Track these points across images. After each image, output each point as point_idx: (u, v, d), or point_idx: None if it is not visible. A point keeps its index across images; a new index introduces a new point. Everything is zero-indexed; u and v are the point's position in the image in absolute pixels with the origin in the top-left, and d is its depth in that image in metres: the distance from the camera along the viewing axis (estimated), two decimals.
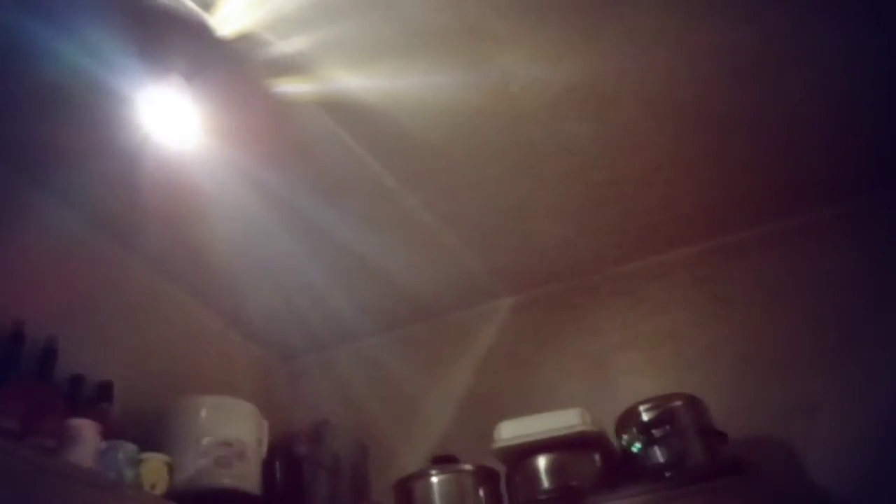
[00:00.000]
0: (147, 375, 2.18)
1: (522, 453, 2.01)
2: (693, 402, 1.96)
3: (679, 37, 1.82)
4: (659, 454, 1.89)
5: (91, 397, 1.85)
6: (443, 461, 2.16)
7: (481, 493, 2.08)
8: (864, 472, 1.95)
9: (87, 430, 1.57)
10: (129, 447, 1.67)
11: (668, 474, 1.86)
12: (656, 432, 1.91)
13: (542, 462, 1.98)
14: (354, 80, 1.83)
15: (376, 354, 2.81)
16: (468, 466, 2.12)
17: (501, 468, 2.11)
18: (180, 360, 2.39)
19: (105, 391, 1.89)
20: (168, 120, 1.73)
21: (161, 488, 1.74)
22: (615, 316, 2.51)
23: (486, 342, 2.67)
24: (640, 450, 1.91)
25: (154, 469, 1.73)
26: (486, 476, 2.11)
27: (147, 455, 1.74)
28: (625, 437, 1.99)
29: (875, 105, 2.05)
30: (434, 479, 2.09)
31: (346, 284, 2.54)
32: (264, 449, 2.15)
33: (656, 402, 1.97)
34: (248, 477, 2.02)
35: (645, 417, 1.95)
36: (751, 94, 1.97)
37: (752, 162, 2.19)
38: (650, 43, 1.83)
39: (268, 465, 2.18)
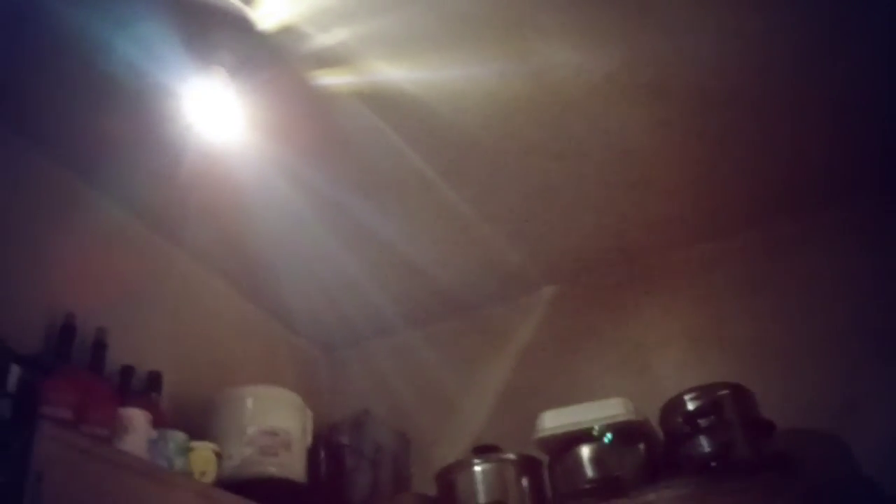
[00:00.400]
0: (193, 366, 2.22)
1: (565, 443, 2.00)
2: (740, 392, 1.93)
3: (718, 24, 1.78)
4: (704, 444, 1.87)
5: (141, 387, 1.90)
6: (485, 451, 2.16)
7: (524, 482, 2.08)
8: None
9: (137, 419, 1.60)
10: (180, 436, 1.71)
11: (713, 465, 1.83)
12: (702, 422, 1.89)
13: (585, 452, 1.97)
14: (395, 72, 1.83)
15: (416, 346, 2.82)
16: (511, 455, 2.12)
17: (544, 458, 2.11)
18: (225, 350, 2.43)
19: (154, 381, 1.93)
20: (212, 113, 1.74)
21: (210, 476, 1.77)
22: (657, 305, 2.49)
23: (526, 333, 2.67)
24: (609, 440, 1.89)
25: (203, 457, 1.77)
26: (528, 465, 2.11)
27: (196, 444, 1.77)
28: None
29: None
30: (477, 469, 2.10)
31: (386, 278, 2.56)
32: (309, 438, 2.18)
33: (702, 391, 1.94)
34: (293, 466, 2.05)
35: (690, 406, 1.93)
36: (797, 78, 1.93)
37: (800, 149, 2.15)
38: (692, 29, 1.80)
39: (312, 455, 2.20)
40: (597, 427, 1.93)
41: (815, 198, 2.33)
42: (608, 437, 1.92)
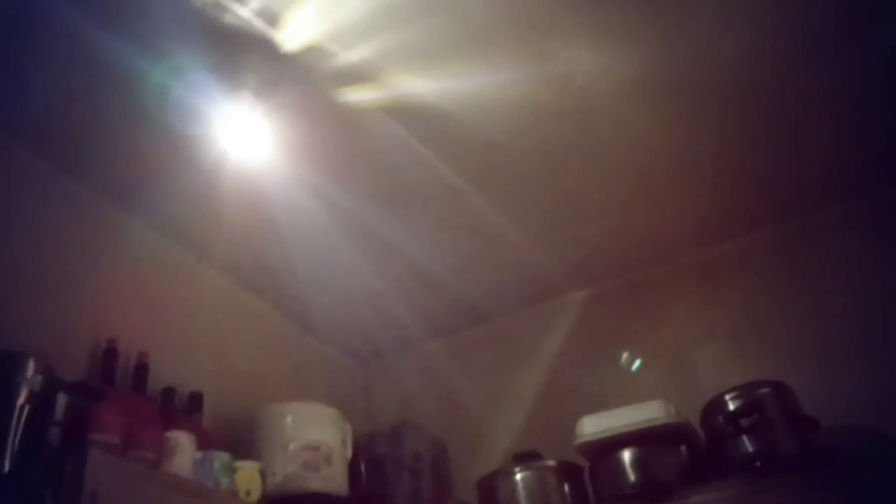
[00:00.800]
0: (231, 383, 2.25)
1: (606, 448, 1.99)
2: (781, 389, 1.91)
3: (746, 17, 1.76)
4: (748, 444, 1.85)
5: (183, 408, 1.92)
6: (525, 458, 2.16)
7: (566, 488, 2.07)
8: None
9: (183, 440, 1.62)
10: (224, 456, 1.72)
11: (758, 464, 1.82)
12: (744, 421, 1.87)
13: (626, 456, 1.96)
14: (419, 84, 1.84)
15: (450, 355, 2.82)
16: (551, 462, 2.12)
17: (585, 463, 2.11)
18: (261, 366, 2.46)
19: (196, 401, 1.96)
20: (241, 136, 1.77)
21: (255, 495, 1.78)
22: (693, 304, 2.47)
23: (558, 338, 2.66)
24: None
25: (248, 476, 1.78)
26: (569, 471, 2.11)
27: (241, 463, 1.79)
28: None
29: None
30: (518, 476, 2.10)
31: (414, 290, 2.58)
32: (349, 451, 2.19)
33: (742, 390, 1.92)
34: (335, 479, 2.07)
35: (731, 406, 1.92)
36: (826, 68, 1.91)
37: (833, 138, 2.12)
38: (717, 25, 1.78)
39: (352, 467, 2.22)
40: (625, 357, 1.91)
41: (854, 185, 2.29)
42: (637, 364, 1.90)
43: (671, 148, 2.11)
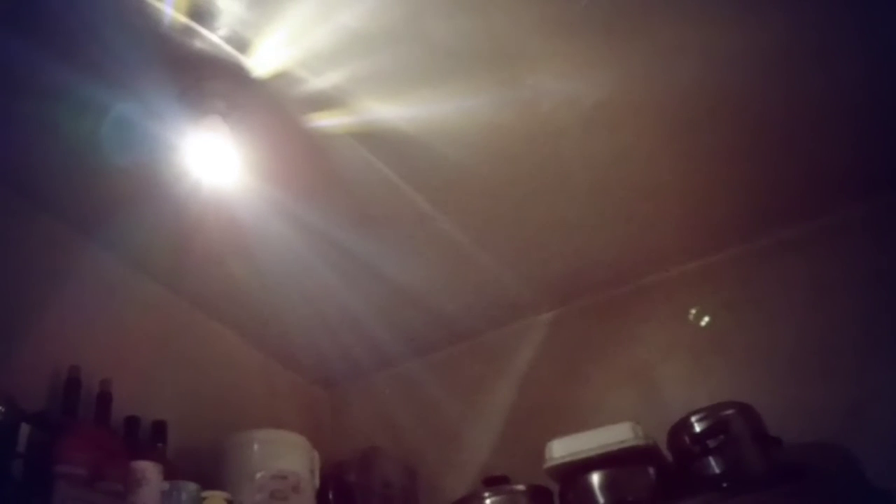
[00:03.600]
0: (196, 412, 2.21)
1: (576, 471, 2.00)
2: (745, 410, 1.94)
3: (705, 45, 1.81)
4: (715, 464, 1.88)
5: (146, 438, 1.88)
6: (495, 482, 2.15)
7: None
8: None
9: (150, 471, 1.59)
10: (192, 486, 1.70)
11: (725, 484, 1.84)
12: (710, 442, 1.89)
13: (596, 478, 1.97)
14: (388, 110, 1.85)
15: (417, 379, 2.81)
16: (521, 487, 2.11)
17: (554, 487, 2.11)
18: (227, 394, 2.42)
19: (159, 431, 1.92)
20: (209, 162, 1.75)
21: None
22: (657, 325, 2.49)
23: (527, 359, 2.67)
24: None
25: None
26: (539, 495, 2.11)
27: (208, 493, 1.76)
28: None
29: None
30: (487, 501, 2.09)
31: (385, 312, 2.56)
32: (317, 480, 2.16)
33: (708, 412, 1.95)
34: None
35: (697, 427, 1.94)
36: (779, 93, 1.96)
37: (790, 160, 2.17)
38: (677, 54, 1.83)
39: (321, 496, 2.19)
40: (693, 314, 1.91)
41: (814, 204, 2.35)
42: (706, 319, 1.90)
43: (635, 171, 2.15)
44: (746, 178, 2.23)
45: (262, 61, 1.67)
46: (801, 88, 1.95)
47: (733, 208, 2.35)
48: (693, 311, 1.94)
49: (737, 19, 1.77)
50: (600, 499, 1.94)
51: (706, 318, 1.90)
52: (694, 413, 1.97)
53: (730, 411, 1.93)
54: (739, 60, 1.86)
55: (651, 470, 1.98)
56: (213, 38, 1.60)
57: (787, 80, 1.93)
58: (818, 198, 2.33)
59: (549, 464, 2.03)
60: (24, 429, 1.46)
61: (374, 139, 1.92)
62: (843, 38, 1.83)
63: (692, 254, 2.51)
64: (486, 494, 2.11)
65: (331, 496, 2.27)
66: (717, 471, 1.86)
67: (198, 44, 1.61)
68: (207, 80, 1.68)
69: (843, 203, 2.34)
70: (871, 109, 2.04)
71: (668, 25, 1.76)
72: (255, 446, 2.04)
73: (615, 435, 1.98)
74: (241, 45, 1.63)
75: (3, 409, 1.45)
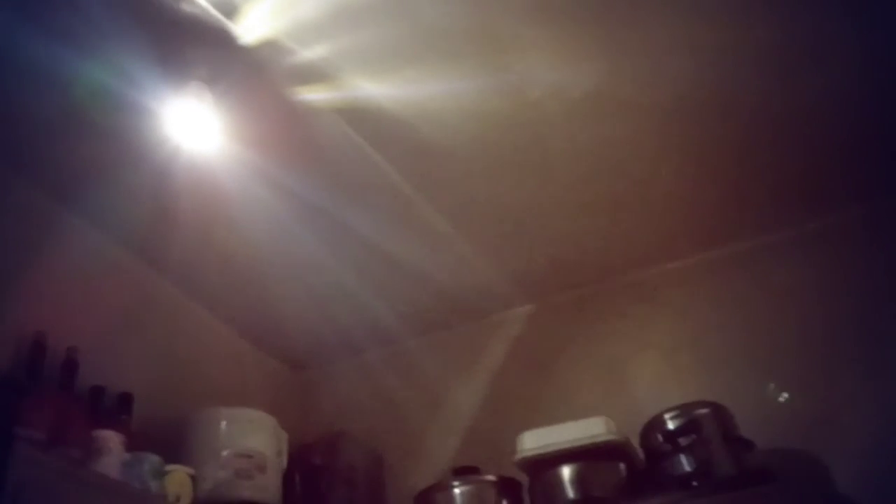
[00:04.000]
0: (164, 387, 2.17)
1: (546, 463, 1.98)
2: (719, 410, 1.93)
3: (695, 41, 1.81)
4: (685, 462, 1.87)
5: (111, 409, 1.84)
6: (464, 472, 2.14)
7: None
8: (892, 481, 1.92)
9: (112, 441, 1.56)
10: (154, 459, 1.66)
11: (694, 483, 1.83)
12: (682, 440, 1.89)
13: (565, 472, 1.95)
14: (374, 88, 1.82)
15: (390, 366, 2.79)
16: (490, 477, 2.10)
17: (524, 479, 2.09)
18: (197, 371, 2.39)
19: (125, 403, 1.88)
20: (190, 127, 1.71)
21: (185, 500, 1.73)
22: (634, 322, 2.49)
23: (503, 351, 2.65)
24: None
25: (178, 481, 1.72)
26: (508, 487, 2.09)
27: (171, 467, 1.73)
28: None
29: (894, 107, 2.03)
30: (456, 491, 2.07)
31: (362, 295, 2.53)
32: (284, 460, 2.14)
33: (682, 410, 1.94)
34: (268, 489, 2.01)
35: (670, 425, 1.93)
36: (768, 96, 1.96)
37: (773, 164, 2.17)
38: (667, 48, 1.82)
39: (286, 477, 2.16)
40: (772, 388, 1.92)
41: (790, 211, 2.36)
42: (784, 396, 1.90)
43: (619, 166, 2.14)
44: (731, 179, 2.23)
45: (249, 28, 1.63)
46: (789, 90, 1.95)
47: (717, 209, 2.35)
48: (771, 386, 1.95)
49: (727, 17, 1.76)
50: (569, 493, 1.93)
51: (784, 395, 1.91)
52: (668, 411, 1.96)
53: (703, 410, 1.92)
54: (729, 58, 1.86)
55: (622, 466, 1.97)
56: (200, 2, 1.57)
57: (777, 80, 1.92)
58: (801, 203, 2.34)
59: (519, 455, 2.02)
60: None
61: (358, 116, 1.89)
62: (835, 39, 1.83)
63: (672, 253, 2.51)
64: (455, 484, 2.09)
65: (297, 478, 2.25)
66: (686, 469, 1.86)
67: (184, 7, 1.58)
68: (192, 45, 1.64)
69: (823, 211, 2.36)
70: (861, 115, 2.04)
71: (658, 20, 1.76)
72: (223, 423, 2.01)
73: (587, 429, 1.96)
74: (228, 10, 1.60)
75: None
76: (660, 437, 1.93)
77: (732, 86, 1.92)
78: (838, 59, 1.88)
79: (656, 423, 1.97)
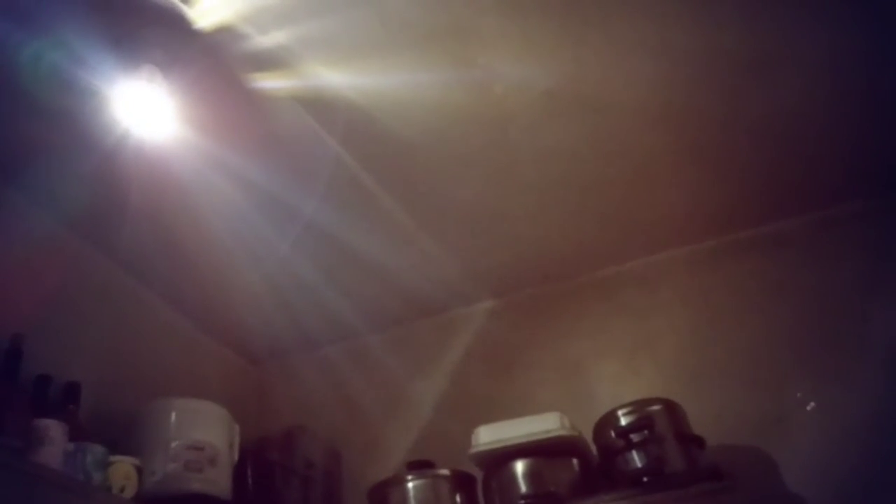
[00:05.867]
0: (115, 377, 2.13)
1: (500, 458, 1.98)
2: (671, 408, 1.95)
3: (662, 42, 1.81)
4: (637, 459, 1.88)
5: (58, 399, 1.80)
6: (418, 466, 2.13)
7: (458, 498, 2.05)
8: (839, 483, 1.95)
9: (53, 430, 1.52)
10: (98, 449, 1.62)
11: (645, 479, 1.84)
12: (635, 437, 1.90)
13: (520, 467, 1.96)
14: (334, 77, 1.80)
15: (347, 361, 2.76)
16: (444, 471, 2.09)
17: (479, 473, 2.09)
18: (149, 362, 2.33)
19: (72, 393, 1.84)
20: (141, 111, 1.68)
21: (130, 492, 1.69)
22: (593, 322, 2.50)
23: (461, 347, 2.64)
24: None
25: (123, 472, 1.68)
26: (462, 481, 2.09)
27: (116, 458, 1.69)
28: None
29: (858, 114, 2.05)
30: (410, 485, 2.07)
31: (317, 290, 2.50)
32: (236, 454, 2.10)
33: (635, 407, 1.96)
34: (218, 482, 1.98)
35: (623, 422, 1.94)
36: (733, 99, 1.98)
37: (733, 168, 2.19)
38: (634, 48, 1.82)
39: (239, 471, 2.13)
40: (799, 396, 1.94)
41: (747, 214, 2.38)
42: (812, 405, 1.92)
43: (583, 164, 2.14)
44: (692, 182, 2.24)
45: (205, 12, 1.60)
46: (755, 93, 1.96)
47: (676, 211, 2.36)
48: (799, 395, 1.97)
49: (693, 19, 1.77)
50: (522, 487, 1.93)
51: (812, 404, 1.94)
52: (621, 407, 1.98)
53: (656, 407, 1.95)
54: (694, 61, 1.87)
55: (575, 462, 1.98)
56: None
57: (744, 84, 1.94)
58: (758, 207, 2.36)
59: (474, 449, 2.01)
60: None
61: (317, 105, 1.86)
62: (802, 44, 1.85)
63: (631, 253, 2.52)
64: (409, 478, 2.08)
65: (249, 472, 2.21)
66: (638, 466, 1.87)
67: None
68: (145, 27, 1.61)
69: (781, 215, 2.39)
70: (827, 120, 2.06)
71: (624, 19, 1.76)
72: (173, 414, 1.97)
73: (542, 424, 1.97)
74: None
75: None
76: (613, 434, 1.94)
77: (698, 88, 1.94)
78: (805, 63, 1.89)
79: (610, 419, 1.98)
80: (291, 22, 1.66)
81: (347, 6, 1.65)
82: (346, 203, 2.18)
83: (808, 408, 1.93)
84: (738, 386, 2.20)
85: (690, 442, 1.91)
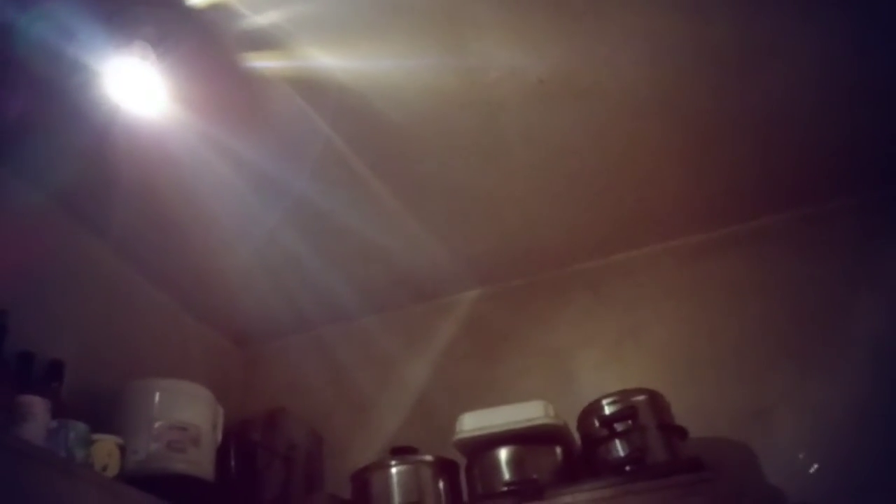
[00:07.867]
0: (100, 356, 2.12)
1: (483, 445, 1.99)
2: (655, 398, 1.97)
3: (653, 33, 1.82)
4: (620, 448, 1.89)
5: (41, 376, 1.79)
6: (402, 452, 2.13)
7: (440, 484, 2.06)
8: (819, 474, 1.98)
9: (37, 406, 1.50)
10: (81, 427, 1.61)
11: (627, 468, 1.86)
12: (618, 426, 1.91)
13: (503, 454, 1.97)
14: (328, 59, 1.79)
15: (333, 344, 2.77)
16: (427, 457, 2.09)
17: (462, 460, 2.10)
18: (135, 341, 2.33)
19: (55, 370, 1.82)
20: (132, 87, 1.66)
21: (112, 470, 1.67)
22: (580, 312, 2.52)
23: (448, 334, 2.65)
24: None
25: (105, 450, 1.67)
26: (445, 467, 2.09)
27: (99, 436, 1.68)
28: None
29: (845, 110, 2.07)
30: (393, 470, 2.07)
31: (305, 271, 2.49)
32: (219, 435, 2.10)
33: (619, 397, 1.97)
34: (201, 462, 1.97)
35: (607, 411, 1.95)
36: (722, 92, 1.98)
37: (721, 161, 2.20)
38: (626, 38, 1.83)
39: (222, 452, 2.12)
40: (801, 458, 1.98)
41: (734, 208, 2.39)
42: (815, 467, 1.95)
43: (573, 153, 2.14)
44: (681, 176, 2.26)
45: None
46: (745, 86, 1.97)
47: (664, 205, 2.37)
48: (801, 457, 1.99)
49: (685, 11, 1.77)
50: (505, 475, 1.94)
51: (815, 466, 1.95)
52: (605, 396, 1.99)
53: (640, 398, 1.96)
54: (685, 52, 1.87)
55: (558, 450, 1.99)
56: None
57: (734, 76, 1.94)
58: (745, 201, 2.38)
59: (457, 436, 2.02)
60: None
61: (310, 87, 1.85)
62: (791, 38, 1.85)
63: (619, 245, 2.53)
64: (392, 463, 2.08)
65: (232, 453, 2.21)
66: (621, 455, 1.88)
67: None
68: (139, 3, 1.59)
69: (767, 210, 2.41)
70: (815, 115, 2.07)
71: (617, 9, 1.76)
72: (157, 394, 1.96)
73: (526, 412, 1.98)
74: None
75: None
76: (596, 423, 1.96)
77: (688, 79, 1.94)
78: (793, 58, 1.90)
79: (593, 408, 1.99)
80: (286, 2, 1.65)
81: None
82: (337, 183, 2.17)
83: (811, 470, 1.95)
84: (722, 378, 2.22)
85: (673, 432, 1.93)
